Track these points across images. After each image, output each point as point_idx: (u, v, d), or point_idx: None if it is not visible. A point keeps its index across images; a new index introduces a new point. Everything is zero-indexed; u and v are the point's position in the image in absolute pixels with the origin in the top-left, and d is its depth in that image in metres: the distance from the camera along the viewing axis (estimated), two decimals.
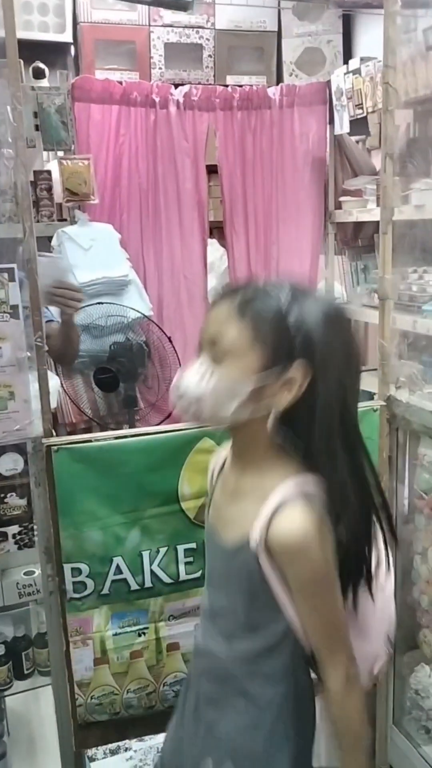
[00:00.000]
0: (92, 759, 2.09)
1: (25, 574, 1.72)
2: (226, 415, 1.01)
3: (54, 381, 1.56)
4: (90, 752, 2.08)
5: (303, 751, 1.16)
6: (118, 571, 1.49)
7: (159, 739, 2.16)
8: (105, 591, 1.49)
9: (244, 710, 1.13)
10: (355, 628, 1.12)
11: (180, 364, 2.73)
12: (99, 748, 2.11)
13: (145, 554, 1.50)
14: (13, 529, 1.50)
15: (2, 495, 1.46)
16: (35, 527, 1.48)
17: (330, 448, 1.01)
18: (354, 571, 1.09)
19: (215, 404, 1.01)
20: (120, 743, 2.12)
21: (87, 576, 1.47)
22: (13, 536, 1.50)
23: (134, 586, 1.51)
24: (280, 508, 1.00)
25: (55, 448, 1.42)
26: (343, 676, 1.06)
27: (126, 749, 2.14)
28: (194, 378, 1.02)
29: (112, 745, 2.11)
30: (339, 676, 1.06)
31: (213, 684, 1.18)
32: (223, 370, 0.99)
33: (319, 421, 1.00)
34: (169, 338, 2.68)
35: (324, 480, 1.03)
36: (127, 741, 2.11)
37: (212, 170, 3.14)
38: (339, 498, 1.02)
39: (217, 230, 3.70)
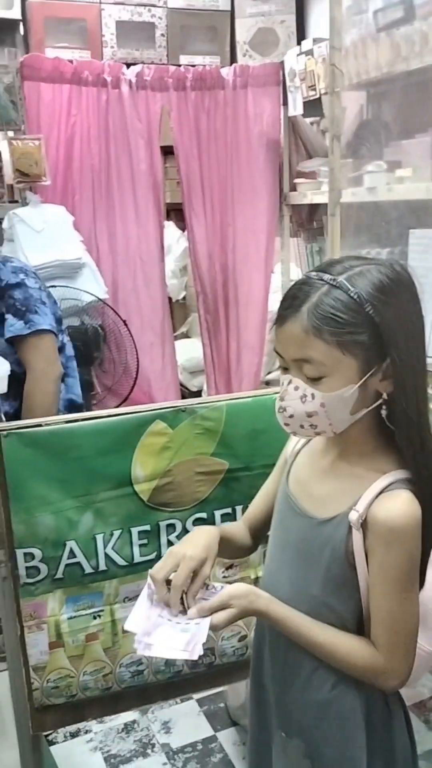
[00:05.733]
0: (52, 743, 2.10)
1: None
2: (344, 421, 1.03)
3: (5, 366, 1.53)
4: (50, 735, 2.09)
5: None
6: (72, 554, 1.49)
7: (119, 720, 2.19)
8: (59, 575, 1.49)
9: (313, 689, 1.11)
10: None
11: (135, 348, 2.72)
12: (59, 731, 2.12)
13: (99, 537, 1.50)
14: None
15: None
16: None
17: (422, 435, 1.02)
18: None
19: (330, 417, 1.02)
20: (80, 725, 2.13)
21: (40, 560, 1.47)
22: None
23: (88, 570, 1.51)
24: (388, 491, 1.02)
25: (5, 433, 1.40)
26: (392, 673, 1.04)
27: (86, 731, 2.16)
28: (295, 399, 1.02)
29: (72, 728, 2.12)
30: (389, 669, 1.04)
31: (280, 662, 1.17)
32: (324, 386, 1.00)
33: (407, 402, 1.01)
34: (124, 321, 2.66)
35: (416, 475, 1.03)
36: (86, 723, 2.12)
37: (167, 152, 3.11)
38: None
39: (174, 212, 3.66)
